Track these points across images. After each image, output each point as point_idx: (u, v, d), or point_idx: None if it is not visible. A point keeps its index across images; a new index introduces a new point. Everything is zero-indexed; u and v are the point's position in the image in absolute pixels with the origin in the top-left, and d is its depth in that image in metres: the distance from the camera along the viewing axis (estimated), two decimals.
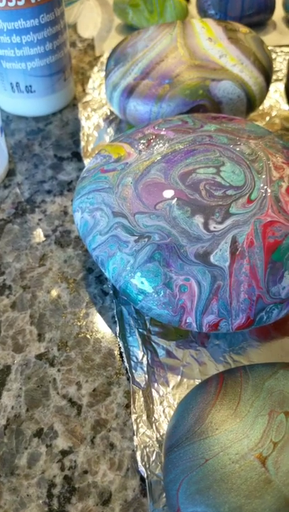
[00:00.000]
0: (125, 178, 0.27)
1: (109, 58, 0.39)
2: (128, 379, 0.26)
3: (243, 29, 0.38)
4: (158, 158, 0.27)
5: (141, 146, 0.28)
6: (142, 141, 0.29)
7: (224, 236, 0.24)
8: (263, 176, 0.27)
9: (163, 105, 0.35)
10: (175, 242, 0.24)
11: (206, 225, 0.24)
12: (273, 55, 0.48)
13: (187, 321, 0.24)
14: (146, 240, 0.24)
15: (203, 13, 0.50)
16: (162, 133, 0.29)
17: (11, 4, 0.34)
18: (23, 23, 0.35)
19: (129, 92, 0.36)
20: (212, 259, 0.24)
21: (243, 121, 0.31)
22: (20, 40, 0.36)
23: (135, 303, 0.25)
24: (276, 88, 0.44)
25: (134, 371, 0.25)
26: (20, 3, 0.34)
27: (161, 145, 0.28)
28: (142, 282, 0.24)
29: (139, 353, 0.26)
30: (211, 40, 0.37)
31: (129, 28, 0.52)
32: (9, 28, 0.36)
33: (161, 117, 0.35)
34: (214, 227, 0.24)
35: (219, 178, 0.26)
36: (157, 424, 0.24)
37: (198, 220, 0.24)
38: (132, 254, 0.25)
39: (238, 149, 0.28)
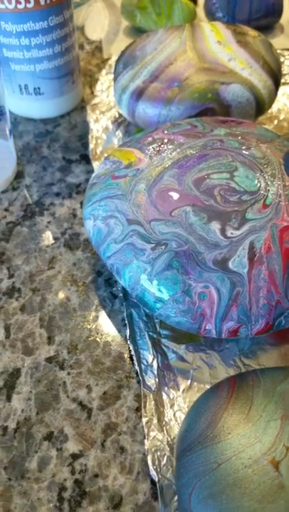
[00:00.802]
0: (138, 184, 0.27)
1: (117, 61, 0.39)
2: (138, 382, 0.26)
3: (252, 32, 0.38)
4: (169, 163, 0.27)
5: (151, 152, 0.28)
6: (151, 146, 0.28)
7: (242, 242, 0.24)
8: (276, 181, 0.26)
9: (172, 108, 0.35)
10: (193, 249, 0.24)
11: (223, 231, 0.24)
12: (281, 59, 0.48)
13: (206, 328, 0.24)
14: (163, 247, 0.24)
15: (211, 16, 0.50)
16: (172, 138, 0.29)
17: (20, 6, 0.34)
18: (32, 26, 0.36)
19: (138, 94, 0.36)
20: (231, 265, 0.24)
21: (252, 125, 0.31)
22: (29, 42, 0.36)
23: (153, 311, 0.25)
24: (284, 91, 0.44)
25: (144, 374, 0.25)
26: (29, 6, 0.35)
27: (171, 150, 0.28)
28: (160, 290, 0.24)
29: (149, 356, 0.26)
30: (220, 44, 0.37)
31: (137, 31, 0.52)
32: (18, 30, 0.36)
33: (170, 120, 0.35)
34: (231, 233, 0.24)
35: (233, 183, 0.26)
36: (168, 427, 0.24)
37: (215, 226, 0.24)
38: (149, 262, 0.24)
39: (249, 154, 0.28)
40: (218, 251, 0.24)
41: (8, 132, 0.34)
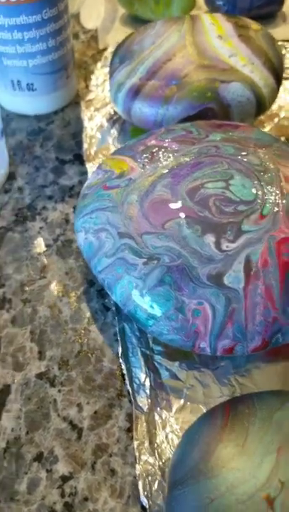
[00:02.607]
0: (130, 195, 0.25)
1: (113, 55, 0.37)
2: (130, 401, 0.25)
3: (254, 26, 0.36)
4: (163, 172, 0.26)
5: (144, 160, 0.27)
6: (144, 154, 0.27)
7: (237, 255, 0.23)
8: (274, 189, 0.25)
9: (170, 108, 0.33)
10: (186, 264, 0.23)
11: (217, 245, 0.23)
12: (283, 51, 0.46)
13: (201, 346, 0.23)
14: (155, 262, 0.23)
15: (210, 3, 0.48)
16: (165, 144, 0.28)
17: None
18: (25, 19, 0.34)
19: (135, 93, 0.34)
20: (226, 280, 0.23)
21: (249, 129, 0.30)
22: (22, 36, 0.35)
23: (145, 327, 0.24)
24: (285, 87, 0.42)
25: (136, 394, 0.25)
26: None
27: (165, 158, 0.27)
28: (153, 307, 0.23)
29: (141, 374, 0.25)
30: (220, 38, 0.35)
31: (134, 19, 0.50)
32: (10, 23, 0.34)
33: (168, 120, 0.34)
34: (226, 247, 0.23)
35: (229, 192, 0.25)
36: (160, 450, 0.23)
37: (210, 239, 0.23)
38: (140, 278, 0.23)
39: (246, 160, 0.27)
40: (212, 265, 0.23)
41: (0, 132, 0.33)
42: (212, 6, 0.48)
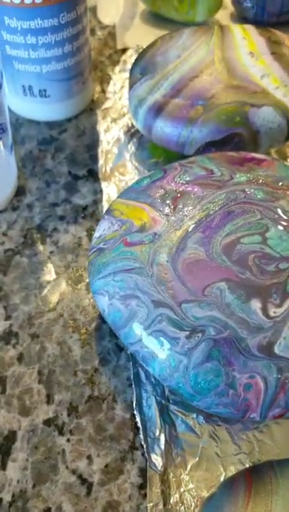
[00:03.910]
0: (158, 254, 0.23)
1: (135, 64, 0.34)
2: (143, 454, 0.24)
3: (288, 41, 0.34)
4: (191, 224, 0.24)
5: (166, 209, 0.25)
6: (165, 202, 0.25)
7: (286, 321, 0.22)
8: None
9: (194, 130, 0.31)
10: (234, 336, 0.21)
11: (264, 310, 0.22)
12: None
13: (251, 416, 0.22)
14: (200, 335, 0.22)
15: (238, 4, 0.45)
16: (187, 189, 0.25)
17: (27, 1, 0.30)
18: (40, 23, 0.31)
19: (157, 110, 0.32)
20: (276, 349, 0.21)
21: (272, 164, 0.28)
22: (36, 41, 0.32)
23: (190, 401, 0.23)
24: None
25: (150, 451, 0.24)
26: (38, 1, 0.30)
27: (190, 206, 0.24)
28: (200, 384, 0.22)
29: (156, 427, 0.24)
30: (252, 56, 0.32)
31: (156, 17, 0.46)
32: (24, 27, 0.31)
33: (191, 143, 0.32)
34: (274, 312, 0.22)
35: (268, 248, 0.23)
36: None
37: (256, 304, 0.22)
38: (184, 354, 0.22)
39: (276, 206, 0.25)
40: (262, 335, 0.21)
41: (10, 147, 0.31)
42: (240, 7, 0.45)
